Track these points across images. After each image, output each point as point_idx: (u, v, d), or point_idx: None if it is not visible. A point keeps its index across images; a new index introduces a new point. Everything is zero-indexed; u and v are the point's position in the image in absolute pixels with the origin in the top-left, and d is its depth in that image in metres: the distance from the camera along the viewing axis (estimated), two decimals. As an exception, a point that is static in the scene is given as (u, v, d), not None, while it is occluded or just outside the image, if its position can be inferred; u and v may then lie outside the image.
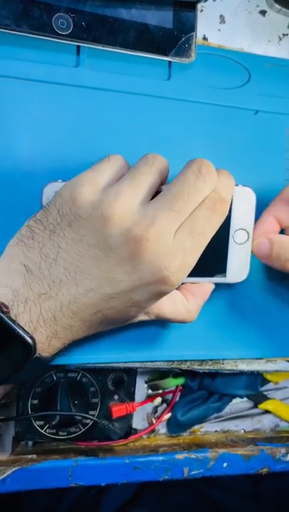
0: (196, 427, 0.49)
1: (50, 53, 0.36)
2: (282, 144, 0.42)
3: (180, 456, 0.45)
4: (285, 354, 0.41)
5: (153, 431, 0.48)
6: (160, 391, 0.47)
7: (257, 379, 0.47)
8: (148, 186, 0.28)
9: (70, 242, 0.27)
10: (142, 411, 0.48)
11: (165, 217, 0.27)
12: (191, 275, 0.30)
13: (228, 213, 0.30)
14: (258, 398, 0.50)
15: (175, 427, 0.47)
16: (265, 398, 0.50)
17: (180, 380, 0.47)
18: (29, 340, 0.26)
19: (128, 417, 0.45)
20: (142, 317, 0.32)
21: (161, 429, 0.49)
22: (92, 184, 0.27)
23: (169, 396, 0.48)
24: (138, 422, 0.48)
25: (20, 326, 0.26)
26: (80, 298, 0.27)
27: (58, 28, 0.34)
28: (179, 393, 0.47)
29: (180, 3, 0.38)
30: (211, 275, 0.33)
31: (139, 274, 0.27)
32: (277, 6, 0.43)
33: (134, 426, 0.47)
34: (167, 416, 0.48)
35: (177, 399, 0.48)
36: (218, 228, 0.30)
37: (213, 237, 0.30)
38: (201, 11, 0.41)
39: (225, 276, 0.33)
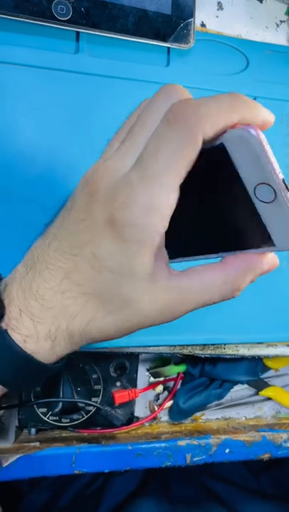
0: (197, 414, 0.50)
1: (50, 39, 0.36)
2: (281, 131, 0.42)
3: (182, 443, 0.45)
4: (285, 338, 0.41)
5: (155, 418, 0.49)
6: (162, 378, 0.47)
7: (258, 365, 0.48)
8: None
9: (56, 219, 0.26)
10: (144, 399, 0.49)
11: (115, 154, 0.24)
12: (222, 248, 0.24)
13: (232, 169, 0.21)
14: (258, 385, 0.50)
15: (177, 414, 0.47)
16: (266, 385, 0.50)
17: (181, 368, 0.47)
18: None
19: (130, 404, 0.45)
20: (151, 299, 0.25)
21: (163, 416, 0.49)
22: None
23: (171, 383, 0.48)
24: (140, 410, 0.48)
25: None
26: (50, 260, 0.25)
27: (57, 13, 0.35)
28: (180, 380, 0.48)
29: (178, -11, 0.38)
30: (258, 246, 0.24)
31: (90, 218, 0.23)
32: (274, -8, 0.43)
33: (136, 414, 0.48)
34: (169, 403, 0.48)
35: (179, 386, 0.48)
36: (186, 144, 0.21)
37: (232, 201, 0.23)
38: (199, -3, 0.41)
39: (274, 245, 0.23)
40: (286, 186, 0.21)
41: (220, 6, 0.42)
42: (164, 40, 0.38)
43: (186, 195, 0.22)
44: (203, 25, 0.41)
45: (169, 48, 0.39)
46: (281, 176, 0.21)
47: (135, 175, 0.22)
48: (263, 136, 0.20)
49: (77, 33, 0.37)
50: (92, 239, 0.23)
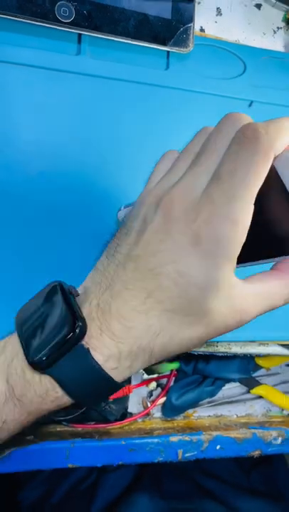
0: (189, 411, 0.51)
1: (53, 41, 0.37)
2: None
3: (174, 439, 0.46)
4: (277, 337, 0.42)
5: (148, 414, 0.49)
6: (155, 375, 0.48)
7: (249, 363, 0.49)
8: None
9: (123, 236, 0.27)
10: (137, 395, 0.50)
11: (189, 175, 0.25)
12: (272, 254, 0.25)
13: (281, 183, 0.23)
14: (250, 383, 0.51)
15: (170, 410, 0.48)
16: (257, 383, 0.51)
17: (175, 365, 0.48)
18: (76, 318, 0.25)
19: (124, 399, 0.46)
20: (227, 309, 0.25)
21: (156, 413, 0.50)
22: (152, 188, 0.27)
23: (164, 380, 0.49)
24: (133, 406, 0.49)
25: (79, 308, 0.26)
26: (129, 280, 0.25)
27: (60, 15, 0.35)
28: (173, 377, 0.49)
29: (179, -6, 0.39)
30: None
31: (172, 238, 0.24)
32: None
33: (129, 410, 0.48)
34: (162, 400, 0.49)
35: (172, 383, 0.49)
36: (261, 162, 0.23)
37: (277, 202, 0.24)
38: (199, 3, 0.42)
39: None
40: None
41: (219, 12, 0.43)
42: (164, 43, 0.39)
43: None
44: (202, 30, 0.42)
45: (168, 51, 0.40)
46: None
47: (216, 191, 0.23)
48: None
49: (79, 35, 0.38)
50: (176, 258, 0.24)
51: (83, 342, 0.25)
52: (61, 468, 0.44)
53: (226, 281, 0.24)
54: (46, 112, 0.37)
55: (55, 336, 0.25)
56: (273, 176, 0.23)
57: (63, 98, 0.38)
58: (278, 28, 0.45)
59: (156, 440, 0.45)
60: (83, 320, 0.25)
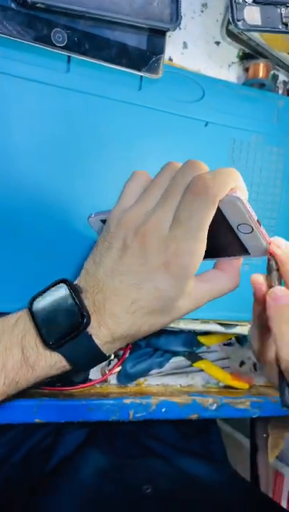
0: (141, 379, 0.59)
1: (46, 59, 0.44)
2: (226, 153, 0.52)
3: (127, 401, 0.54)
4: (216, 317, 0.51)
5: (105, 381, 0.57)
6: (114, 347, 0.56)
7: (193, 340, 0.58)
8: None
9: (106, 249, 0.36)
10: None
11: (159, 211, 0.33)
12: (218, 255, 0.36)
13: (223, 215, 0.33)
14: (193, 358, 0.60)
15: (124, 377, 0.56)
16: (199, 358, 0.60)
17: (131, 339, 0.56)
18: (84, 312, 0.34)
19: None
20: (189, 304, 0.36)
21: (112, 380, 0.58)
22: (123, 211, 0.36)
23: (121, 352, 0.57)
24: (93, 374, 0.57)
25: (84, 305, 0.35)
26: (116, 289, 0.34)
27: (55, 40, 0.43)
28: (129, 350, 0.57)
29: (154, 30, 0.47)
30: (238, 254, 0.36)
31: (149, 263, 0.33)
32: (229, 39, 0.53)
33: (90, 377, 0.56)
34: (118, 369, 0.56)
35: (127, 355, 0.57)
36: (209, 210, 0.31)
37: (221, 225, 0.33)
38: (169, 36, 0.51)
39: (249, 254, 0.35)
40: (259, 224, 0.33)
41: (185, 45, 0.51)
42: (139, 69, 0.47)
43: None
44: (170, 59, 0.51)
45: (142, 76, 0.48)
46: (256, 218, 0.32)
47: (178, 233, 0.32)
48: (243, 196, 0.32)
49: (69, 56, 0.45)
50: (153, 278, 0.33)
51: (87, 330, 0.35)
52: (28, 423, 0.51)
53: (188, 289, 0.35)
54: (36, 119, 0.44)
55: (67, 327, 0.35)
56: (218, 209, 0.33)
57: (52, 108, 0.45)
58: (233, 62, 0.54)
59: (111, 402, 0.53)
60: (88, 314, 0.35)
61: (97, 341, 0.35)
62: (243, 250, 0.35)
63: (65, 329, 0.34)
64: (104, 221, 0.39)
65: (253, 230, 0.33)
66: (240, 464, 0.71)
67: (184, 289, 0.34)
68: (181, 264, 0.33)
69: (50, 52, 0.43)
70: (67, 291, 0.35)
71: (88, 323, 0.34)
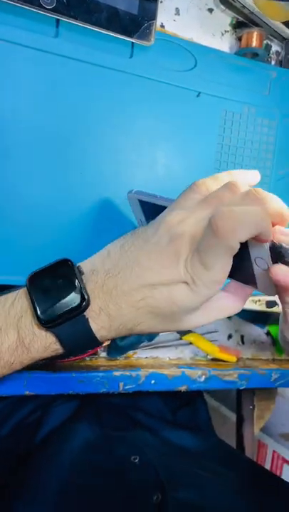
0: (130, 353, 0.59)
1: (34, 22, 0.42)
2: (218, 124, 0.52)
3: (117, 373, 0.54)
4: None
5: (95, 354, 0.58)
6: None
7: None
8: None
9: (142, 241, 0.35)
10: (87, 338, 0.57)
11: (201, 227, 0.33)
12: (232, 276, 0.35)
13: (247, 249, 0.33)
14: (182, 331, 0.61)
15: (114, 350, 0.57)
16: (188, 331, 0.61)
17: (121, 312, 0.56)
18: (85, 295, 0.33)
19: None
20: (202, 319, 0.36)
21: (102, 353, 0.59)
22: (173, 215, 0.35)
23: (111, 325, 0.57)
24: (83, 347, 0.57)
25: (85, 285, 0.34)
26: (130, 281, 0.33)
27: (43, 2, 0.41)
28: (119, 323, 0.57)
29: (145, -6, 0.45)
30: (247, 283, 0.37)
31: (176, 270, 0.33)
32: (222, 6, 0.52)
33: (79, 350, 0.56)
34: (108, 342, 0.57)
35: (117, 328, 0.57)
36: (227, 251, 0.31)
37: (243, 251, 0.33)
38: (161, 1, 0.49)
39: (257, 288, 0.36)
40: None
41: (177, 12, 0.50)
42: (130, 35, 0.46)
43: None
44: (162, 26, 0.49)
45: (133, 42, 0.46)
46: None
47: (202, 260, 0.32)
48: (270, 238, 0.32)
49: (58, 20, 0.43)
50: (173, 284, 0.33)
51: (84, 313, 0.34)
52: (17, 396, 0.51)
53: (202, 307, 0.35)
54: (22, 85, 0.43)
55: (65, 306, 0.34)
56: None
57: (40, 75, 0.43)
58: (226, 31, 0.53)
59: (101, 374, 0.54)
60: (88, 296, 0.34)
61: (93, 326, 0.35)
62: (253, 282, 0.36)
63: (63, 308, 0.34)
64: (141, 201, 0.39)
65: (267, 265, 0.33)
66: (226, 437, 0.73)
67: (199, 305, 0.34)
68: (204, 284, 0.33)
69: (38, 15, 0.42)
70: (70, 270, 0.35)
71: (87, 305, 0.34)
